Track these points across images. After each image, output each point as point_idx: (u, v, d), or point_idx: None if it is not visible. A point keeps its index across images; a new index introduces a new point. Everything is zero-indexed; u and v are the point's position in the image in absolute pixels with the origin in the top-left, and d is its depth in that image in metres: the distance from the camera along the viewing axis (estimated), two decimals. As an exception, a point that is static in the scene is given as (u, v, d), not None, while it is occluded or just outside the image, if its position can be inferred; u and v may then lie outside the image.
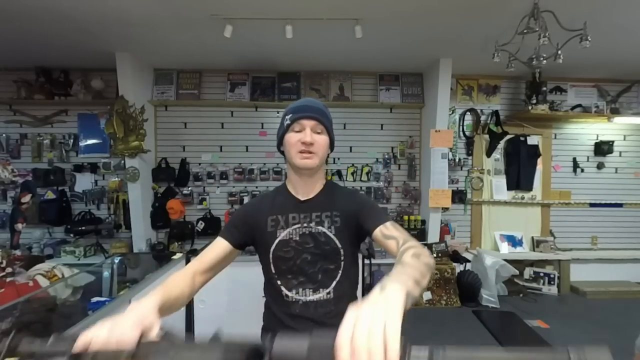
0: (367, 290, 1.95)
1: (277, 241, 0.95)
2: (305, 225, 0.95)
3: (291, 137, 0.94)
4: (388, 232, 0.89)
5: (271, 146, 3.64)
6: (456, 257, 3.40)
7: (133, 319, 0.58)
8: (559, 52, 2.05)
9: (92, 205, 3.51)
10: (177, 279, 0.85)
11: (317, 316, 0.93)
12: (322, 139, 0.96)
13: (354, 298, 1.02)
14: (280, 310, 0.97)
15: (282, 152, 1.02)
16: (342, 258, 0.96)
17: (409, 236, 0.86)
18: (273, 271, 0.97)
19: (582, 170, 3.83)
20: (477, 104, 3.76)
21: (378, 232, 0.91)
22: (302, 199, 0.99)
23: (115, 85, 3.23)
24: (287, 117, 0.96)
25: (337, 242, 0.95)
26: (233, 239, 0.97)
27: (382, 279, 0.56)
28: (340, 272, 0.96)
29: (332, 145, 1.03)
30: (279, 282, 0.96)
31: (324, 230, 0.95)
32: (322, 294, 0.94)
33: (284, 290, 0.95)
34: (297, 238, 0.95)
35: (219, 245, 0.96)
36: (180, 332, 2.11)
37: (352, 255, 0.99)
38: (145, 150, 3.19)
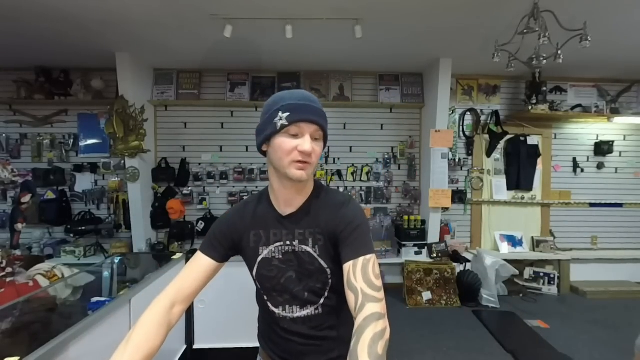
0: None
1: (259, 259, 0.88)
2: (288, 243, 0.86)
3: (285, 143, 0.78)
4: (352, 279, 0.74)
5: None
6: (456, 257, 3.40)
7: None
8: (559, 52, 2.05)
9: (92, 205, 3.52)
10: (145, 332, 0.74)
11: (305, 330, 0.88)
12: (319, 148, 0.82)
13: (345, 310, 0.86)
14: (270, 321, 0.93)
15: (264, 153, 0.86)
16: (330, 277, 0.86)
17: (371, 287, 0.72)
18: (259, 287, 0.92)
19: (582, 170, 3.83)
20: (477, 104, 3.76)
21: (346, 268, 0.77)
22: (283, 214, 0.87)
23: (115, 85, 3.23)
24: (283, 115, 0.77)
25: (322, 262, 0.85)
26: (218, 255, 0.88)
27: None
28: (327, 289, 0.87)
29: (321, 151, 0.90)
30: (265, 298, 0.91)
31: (308, 249, 0.85)
32: (310, 310, 0.87)
33: (271, 307, 0.90)
34: (280, 256, 0.87)
35: (202, 264, 0.87)
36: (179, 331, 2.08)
37: (341, 271, 0.86)
38: (145, 150, 3.20)
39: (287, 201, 0.87)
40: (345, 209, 0.84)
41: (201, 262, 0.88)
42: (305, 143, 0.77)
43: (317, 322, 0.88)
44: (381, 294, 0.72)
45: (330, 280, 0.86)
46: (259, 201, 0.92)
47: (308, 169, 0.79)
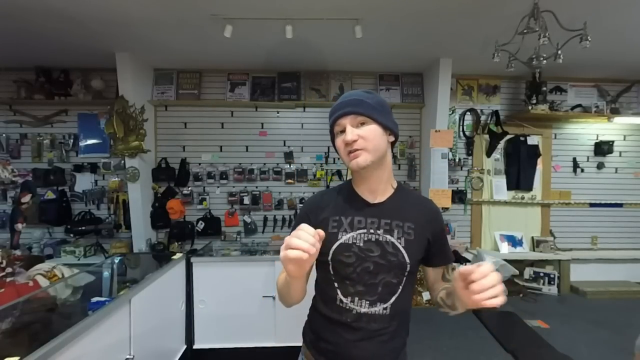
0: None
1: (337, 244, 0.87)
2: (372, 231, 0.87)
3: (338, 142, 0.87)
4: (444, 279, 0.94)
5: (271, 146, 3.64)
6: (456, 257, 3.40)
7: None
8: (559, 52, 2.05)
9: (92, 205, 3.51)
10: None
11: (368, 330, 0.86)
12: (368, 130, 0.84)
13: (407, 316, 0.93)
14: (330, 314, 0.89)
15: None
16: (407, 273, 0.87)
17: None
18: (331, 273, 0.89)
19: (582, 170, 3.83)
20: (477, 104, 3.76)
21: (439, 272, 0.95)
22: (371, 201, 0.90)
23: (115, 85, 3.23)
24: (330, 121, 0.89)
25: (405, 255, 0.85)
26: None
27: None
28: (401, 287, 0.87)
29: (392, 132, 0.91)
30: (336, 285, 0.89)
31: (393, 240, 0.86)
32: (378, 308, 0.86)
33: (340, 295, 0.87)
34: (361, 244, 0.86)
35: None
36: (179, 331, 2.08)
37: (416, 272, 0.92)
38: (145, 150, 3.20)
39: (372, 190, 0.91)
40: (436, 212, 0.94)
41: None
42: (346, 134, 0.84)
43: (381, 323, 0.86)
44: None
45: (405, 278, 0.87)
46: (340, 191, 0.96)
47: (362, 155, 0.84)
